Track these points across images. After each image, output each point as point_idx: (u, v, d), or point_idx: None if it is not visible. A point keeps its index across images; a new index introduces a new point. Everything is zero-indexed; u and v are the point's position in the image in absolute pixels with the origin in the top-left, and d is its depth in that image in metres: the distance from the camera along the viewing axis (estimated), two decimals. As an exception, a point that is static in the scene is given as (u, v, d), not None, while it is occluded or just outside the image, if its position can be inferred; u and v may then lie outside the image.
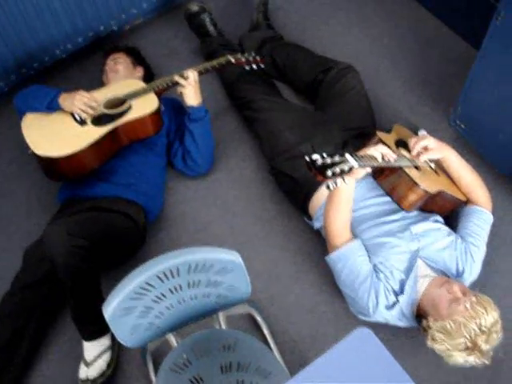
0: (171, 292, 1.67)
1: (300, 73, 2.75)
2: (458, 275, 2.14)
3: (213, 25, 2.93)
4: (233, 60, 2.59)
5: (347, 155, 1.82)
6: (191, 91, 2.47)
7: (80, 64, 2.99)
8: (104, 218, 2.27)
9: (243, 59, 2.61)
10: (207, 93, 2.72)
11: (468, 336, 1.85)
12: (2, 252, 2.49)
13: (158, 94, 2.44)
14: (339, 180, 1.76)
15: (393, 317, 2.10)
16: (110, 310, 1.58)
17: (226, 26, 3.03)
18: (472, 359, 1.88)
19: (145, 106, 2.38)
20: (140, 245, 2.42)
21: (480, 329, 1.85)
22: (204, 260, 1.62)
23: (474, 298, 1.92)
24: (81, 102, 2.30)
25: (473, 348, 1.86)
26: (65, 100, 2.32)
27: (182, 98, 2.50)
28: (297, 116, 2.54)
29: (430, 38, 3.03)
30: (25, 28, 2.62)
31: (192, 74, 2.45)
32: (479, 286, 2.18)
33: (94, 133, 2.30)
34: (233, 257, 1.66)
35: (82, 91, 2.34)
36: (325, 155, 1.76)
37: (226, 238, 2.50)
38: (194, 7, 2.90)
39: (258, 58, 2.63)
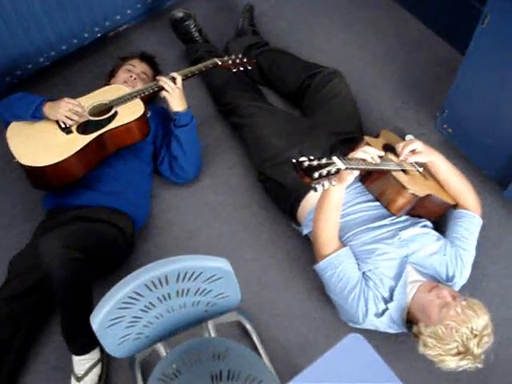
0: (160, 301, 1.65)
1: (286, 78, 2.74)
2: (448, 280, 2.14)
3: (198, 31, 2.92)
4: (219, 62, 2.58)
5: (334, 157, 1.80)
6: (176, 97, 2.43)
7: (64, 72, 2.96)
8: (96, 229, 2.24)
9: (230, 61, 2.61)
10: (194, 99, 2.72)
11: (460, 340, 1.84)
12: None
13: (144, 100, 2.41)
14: (326, 182, 1.74)
15: (383, 324, 2.09)
16: (97, 320, 1.55)
17: (211, 32, 3.02)
18: (464, 363, 1.87)
19: (131, 112, 2.35)
20: (127, 254, 2.40)
21: (472, 332, 1.84)
22: (193, 268, 1.60)
23: (464, 302, 1.91)
24: (66, 108, 2.27)
25: (465, 352, 1.85)
26: (49, 108, 2.29)
27: (166, 103, 2.48)
28: (284, 122, 2.53)
29: (414, 43, 3.04)
30: (7, 36, 2.59)
31: (177, 79, 2.43)
32: (469, 289, 2.19)
33: (80, 141, 2.28)
34: (222, 264, 1.64)
35: (67, 98, 2.31)
36: (312, 157, 1.74)
37: (213, 245, 2.48)
38: (179, 13, 2.89)
39: (244, 60, 2.62)
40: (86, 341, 2.12)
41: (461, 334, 1.84)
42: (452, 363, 1.88)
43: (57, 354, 2.25)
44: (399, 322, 2.08)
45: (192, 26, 2.90)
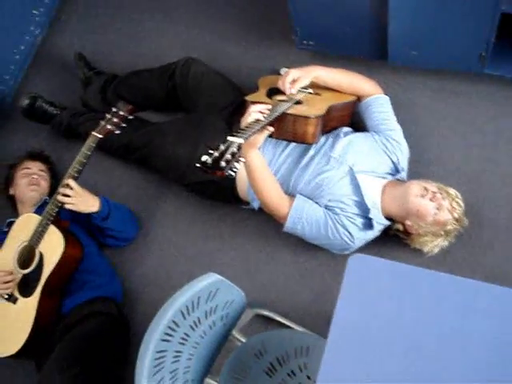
0: (182, 344, 1.67)
1: (152, 92, 2.72)
2: (397, 165, 2.25)
3: (52, 105, 2.84)
4: (99, 135, 2.33)
5: (229, 137, 1.80)
6: (81, 203, 2.30)
7: None
8: (82, 332, 2.21)
9: (108, 126, 2.35)
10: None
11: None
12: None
13: (57, 220, 2.28)
14: (236, 163, 1.74)
15: (373, 233, 2.20)
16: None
17: (62, 99, 2.94)
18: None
19: (53, 249, 2.23)
20: (127, 330, 2.38)
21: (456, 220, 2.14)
22: (190, 298, 1.63)
23: (448, 201, 2.11)
24: None
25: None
26: None
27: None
28: (176, 130, 2.52)
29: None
30: None
31: (70, 184, 2.27)
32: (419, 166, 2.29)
33: (30, 306, 2.21)
34: (211, 278, 1.68)
35: None
36: (210, 151, 1.73)
37: (192, 266, 2.51)
38: (26, 100, 2.80)
39: (121, 113, 2.38)
40: None
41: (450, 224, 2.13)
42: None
43: None
44: (385, 222, 2.19)
45: (44, 104, 2.82)
